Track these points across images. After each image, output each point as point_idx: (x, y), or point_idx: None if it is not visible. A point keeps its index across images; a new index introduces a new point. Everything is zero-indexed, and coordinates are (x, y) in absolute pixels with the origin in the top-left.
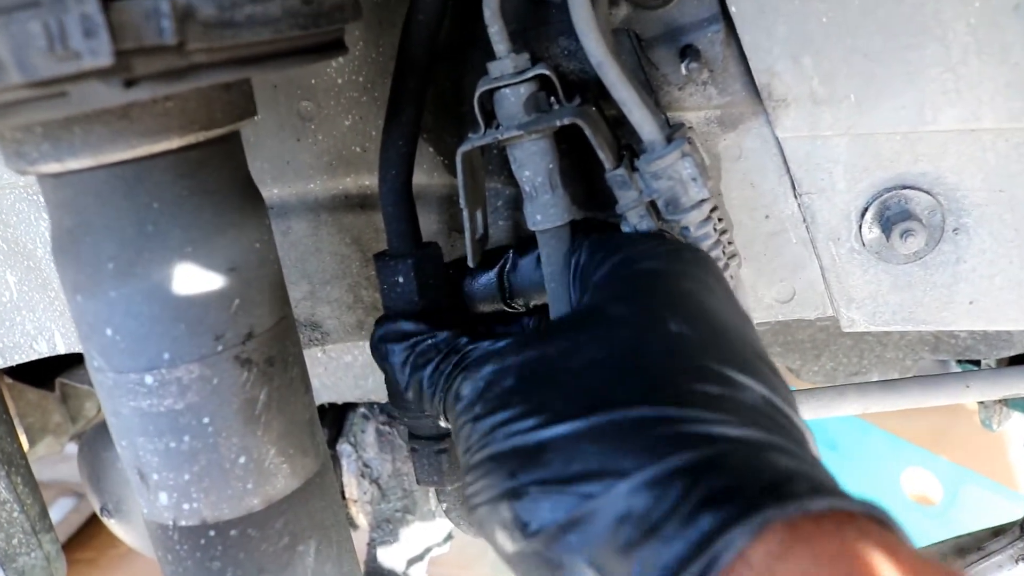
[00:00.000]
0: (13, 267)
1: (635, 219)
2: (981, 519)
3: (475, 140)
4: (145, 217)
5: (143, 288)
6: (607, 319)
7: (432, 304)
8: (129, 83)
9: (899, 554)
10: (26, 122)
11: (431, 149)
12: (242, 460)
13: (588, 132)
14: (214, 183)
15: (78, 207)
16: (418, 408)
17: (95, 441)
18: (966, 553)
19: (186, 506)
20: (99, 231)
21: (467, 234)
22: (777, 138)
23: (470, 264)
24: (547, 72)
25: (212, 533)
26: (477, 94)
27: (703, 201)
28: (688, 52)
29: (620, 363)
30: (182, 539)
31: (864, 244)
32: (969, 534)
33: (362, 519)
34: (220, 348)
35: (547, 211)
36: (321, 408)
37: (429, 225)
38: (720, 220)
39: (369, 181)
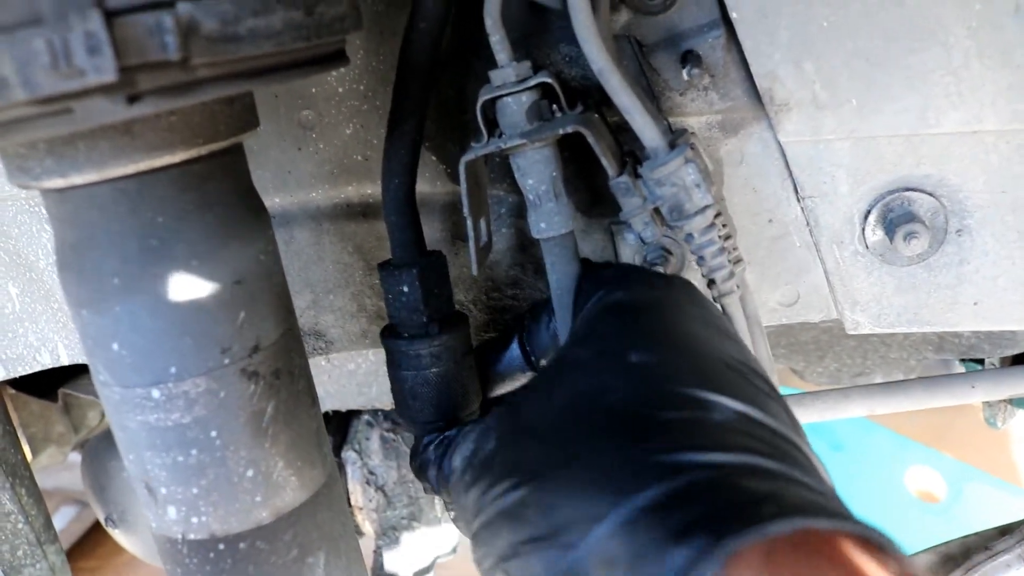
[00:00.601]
0: (15, 279)
1: (639, 226)
2: (985, 516)
3: (478, 149)
4: (149, 231)
5: (148, 302)
6: (569, 366)
7: (436, 312)
8: (133, 99)
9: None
10: (30, 139)
11: (433, 158)
12: (250, 473)
13: (591, 140)
14: (218, 196)
15: (82, 222)
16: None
17: (99, 451)
18: (973, 553)
19: (195, 520)
20: (103, 246)
21: (471, 243)
22: (779, 142)
23: (474, 273)
24: (549, 80)
25: (221, 547)
26: (479, 103)
27: (707, 207)
28: (689, 58)
29: (581, 407)
30: (191, 553)
31: (868, 247)
32: (975, 534)
33: (368, 527)
34: (227, 361)
35: (551, 219)
36: (325, 415)
37: (432, 233)
38: (724, 225)
39: (371, 190)
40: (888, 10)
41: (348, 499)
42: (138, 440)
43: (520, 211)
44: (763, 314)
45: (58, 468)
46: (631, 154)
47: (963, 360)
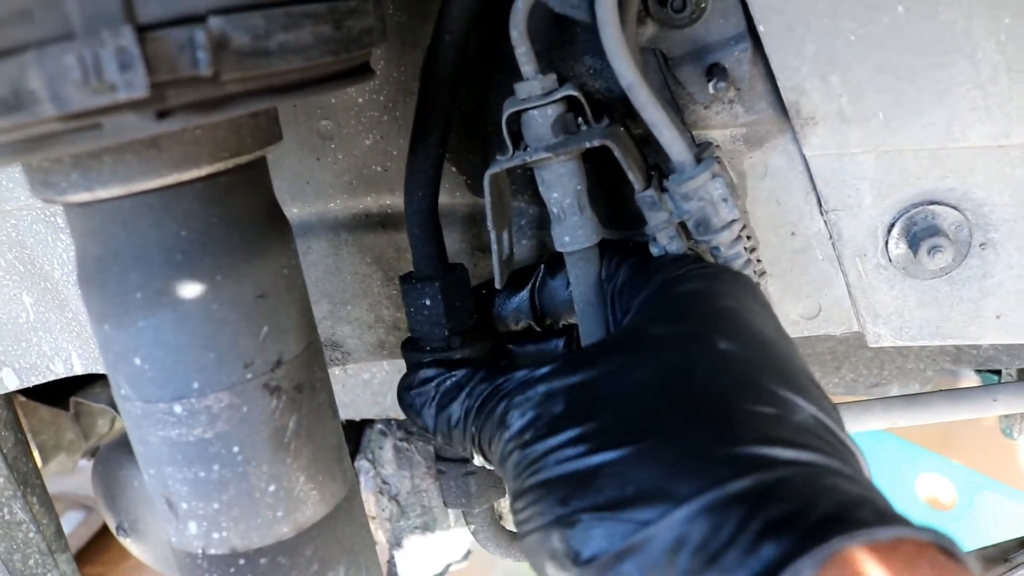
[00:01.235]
0: (30, 288)
1: (665, 240)
2: (996, 525)
3: (503, 162)
4: (174, 245)
5: (172, 317)
6: (652, 340)
7: (459, 326)
8: (162, 114)
9: None
10: (58, 155)
11: (454, 169)
12: (272, 488)
13: (618, 154)
14: (242, 209)
15: (106, 236)
16: (448, 448)
17: (110, 459)
18: (992, 564)
19: (215, 535)
20: (127, 260)
21: (494, 256)
22: (803, 156)
23: (497, 287)
24: (575, 93)
25: (242, 562)
26: (505, 116)
27: (734, 221)
28: (715, 71)
29: (669, 384)
30: (211, 568)
31: (891, 260)
32: (994, 545)
33: (381, 536)
34: (249, 376)
35: (575, 233)
36: None
37: (452, 245)
38: (749, 238)
39: (390, 201)
40: (916, 24)
41: None
42: (159, 455)
43: (541, 222)
44: (785, 327)
45: (65, 473)
46: (656, 167)
47: (979, 371)
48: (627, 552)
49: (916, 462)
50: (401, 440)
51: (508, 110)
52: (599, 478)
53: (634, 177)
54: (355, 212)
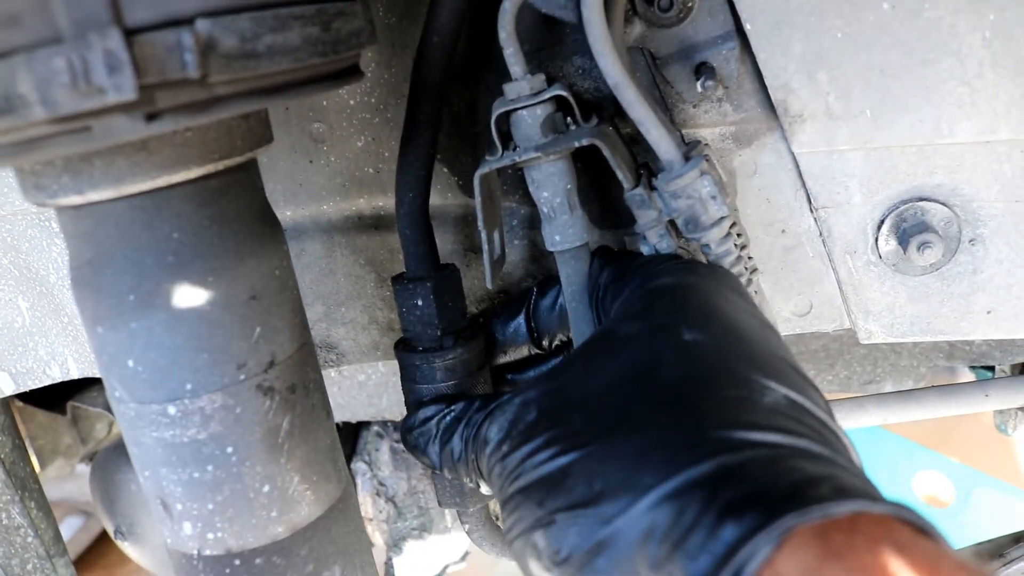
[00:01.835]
0: (25, 293)
1: (655, 238)
2: (993, 521)
3: (493, 163)
4: (165, 248)
5: (164, 319)
6: (619, 339)
7: (451, 326)
8: (152, 117)
9: (938, 565)
10: (48, 158)
11: (445, 170)
12: (266, 488)
13: (607, 153)
14: (233, 211)
15: (98, 239)
16: (458, 483)
17: (107, 464)
18: (987, 560)
19: (211, 535)
20: (119, 262)
21: (485, 256)
22: (792, 153)
23: (489, 286)
24: (564, 93)
25: (237, 562)
26: (494, 116)
27: (723, 218)
28: (703, 70)
29: (635, 379)
30: (207, 568)
31: (881, 256)
32: (989, 541)
33: (378, 537)
34: (243, 377)
35: (565, 232)
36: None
37: (444, 245)
38: (740, 235)
39: (383, 202)
40: (902, 21)
41: None
42: (154, 456)
43: (533, 222)
44: (777, 324)
45: (64, 478)
46: (645, 166)
47: (973, 367)
48: (600, 547)
49: (913, 459)
50: (397, 442)
51: (497, 110)
52: (569, 477)
53: (623, 176)
54: (348, 214)
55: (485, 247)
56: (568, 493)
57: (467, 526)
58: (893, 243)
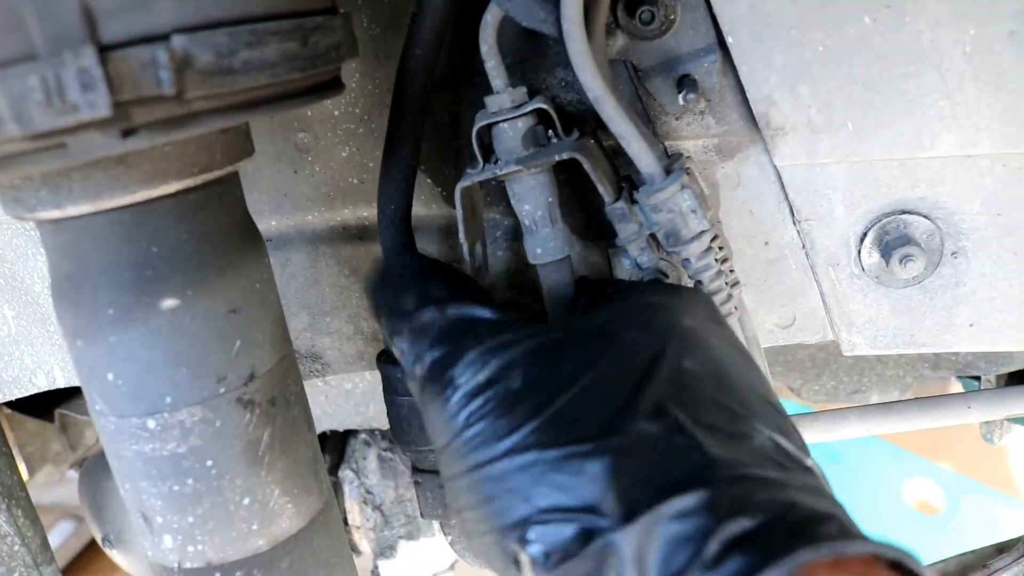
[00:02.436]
0: (11, 302)
1: (635, 251)
2: (983, 528)
3: (474, 175)
4: (144, 262)
5: (143, 333)
6: (620, 344)
7: None
8: (127, 133)
9: None
10: (25, 174)
11: (428, 180)
12: (246, 501)
13: (587, 167)
14: (213, 225)
15: (77, 253)
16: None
17: (96, 471)
18: (970, 571)
19: (191, 548)
20: (98, 276)
21: (467, 268)
22: (775, 166)
23: None
24: (545, 106)
25: (217, 575)
26: (475, 129)
27: (703, 232)
28: (685, 82)
29: (634, 387)
30: None
31: (864, 269)
32: (972, 552)
33: (365, 545)
34: (222, 390)
35: (547, 244)
36: (322, 435)
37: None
38: (721, 248)
39: (367, 212)
40: (883, 35)
41: (345, 518)
42: (134, 469)
43: (516, 234)
44: (760, 336)
45: (56, 483)
46: (627, 179)
47: (960, 377)
48: (588, 558)
49: (904, 466)
50: (385, 450)
51: (479, 123)
52: (560, 474)
53: (604, 189)
54: (333, 224)
55: (467, 259)
56: (558, 491)
57: (450, 537)
58: (876, 256)
